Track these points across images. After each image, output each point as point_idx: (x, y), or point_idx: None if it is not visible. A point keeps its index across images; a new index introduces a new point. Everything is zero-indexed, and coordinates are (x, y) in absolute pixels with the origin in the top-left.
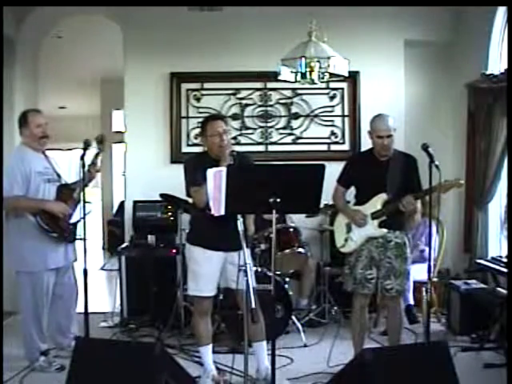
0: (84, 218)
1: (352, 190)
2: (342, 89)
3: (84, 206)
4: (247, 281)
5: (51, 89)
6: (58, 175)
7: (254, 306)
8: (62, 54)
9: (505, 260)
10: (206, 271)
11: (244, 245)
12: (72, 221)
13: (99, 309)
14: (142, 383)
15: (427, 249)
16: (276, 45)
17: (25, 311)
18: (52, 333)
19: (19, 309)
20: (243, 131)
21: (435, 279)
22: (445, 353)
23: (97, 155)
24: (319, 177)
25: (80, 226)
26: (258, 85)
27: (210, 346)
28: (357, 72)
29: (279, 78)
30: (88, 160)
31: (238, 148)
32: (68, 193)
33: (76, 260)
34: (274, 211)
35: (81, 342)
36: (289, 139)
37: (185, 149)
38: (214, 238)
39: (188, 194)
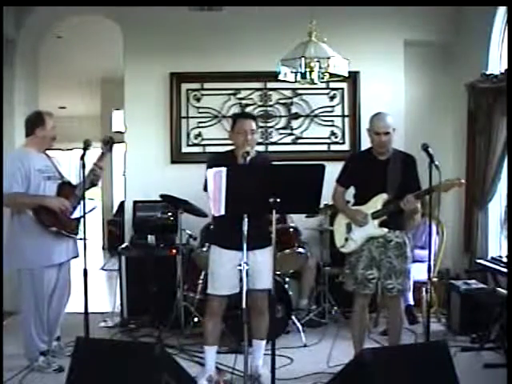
0: (84, 215)
1: (351, 190)
2: (342, 89)
3: (84, 205)
4: (246, 281)
5: (51, 89)
6: (60, 173)
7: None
8: (62, 54)
9: (505, 260)
10: (222, 270)
11: (258, 244)
12: (73, 216)
13: (99, 309)
14: (142, 383)
15: (417, 251)
16: (276, 45)
17: (25, 310)
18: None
19: (20, 308)
20: None
21: (435, 279)
22: (445, 353)
23: (102, 156)
24: (319, 177)
25: (81, 225)
26: (258, 85)
27: (215, 348)
28: (357, 72)
29: (279, 78)
30: (92, 160)
31: None
32: (69, 190)
33: (78, 255)
34: (274, 211)
35: (81, 342)
36: (289, 139)
37: (185, 149)
38: (230, 237)
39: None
